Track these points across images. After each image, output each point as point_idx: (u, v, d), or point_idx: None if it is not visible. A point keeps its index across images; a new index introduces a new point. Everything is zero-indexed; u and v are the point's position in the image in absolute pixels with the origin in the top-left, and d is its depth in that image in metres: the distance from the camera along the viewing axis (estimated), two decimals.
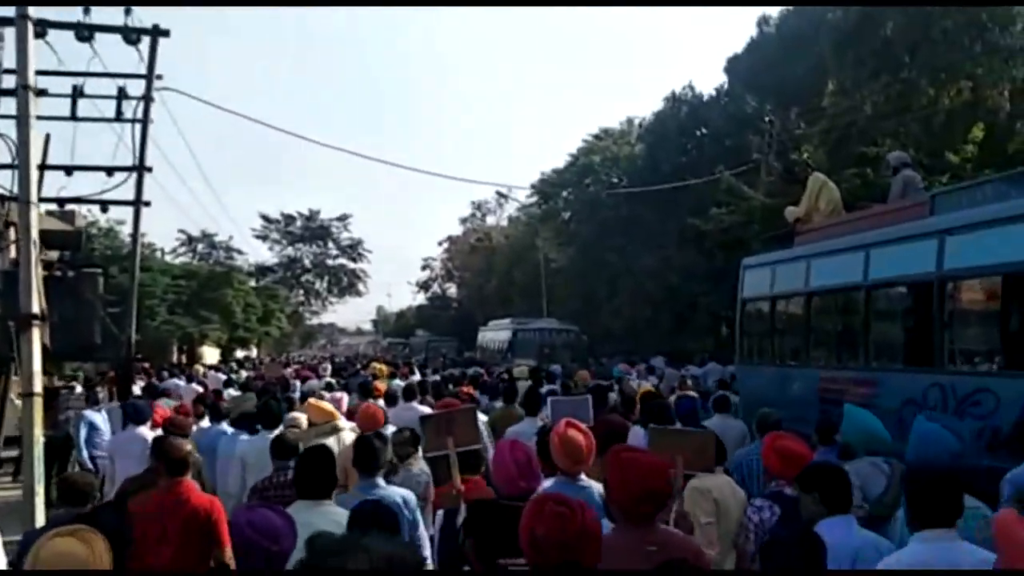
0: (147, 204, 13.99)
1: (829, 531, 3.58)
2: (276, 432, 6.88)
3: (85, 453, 11.14)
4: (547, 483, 4.46)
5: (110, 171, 13.89)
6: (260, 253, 64.74)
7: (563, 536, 2.65)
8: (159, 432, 7.11)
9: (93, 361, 16.28)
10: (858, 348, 9.14)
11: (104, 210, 14.36)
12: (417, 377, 16.32)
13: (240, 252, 55.61)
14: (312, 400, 8.64)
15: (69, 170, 14.00)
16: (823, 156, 24.60)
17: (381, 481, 5.11)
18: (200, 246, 53.18)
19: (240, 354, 46.26)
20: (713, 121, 31.90)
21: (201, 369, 24.46)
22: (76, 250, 13.47)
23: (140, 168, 13.96)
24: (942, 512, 3.39)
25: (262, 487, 5.80)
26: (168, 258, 41.63)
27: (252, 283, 48.51)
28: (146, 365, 24.36)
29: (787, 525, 4.43)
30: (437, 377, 16.13)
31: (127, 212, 14.10)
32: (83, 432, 11.26)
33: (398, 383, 12.92)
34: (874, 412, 8.49)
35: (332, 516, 4.11)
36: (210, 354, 40.07)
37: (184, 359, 32.30)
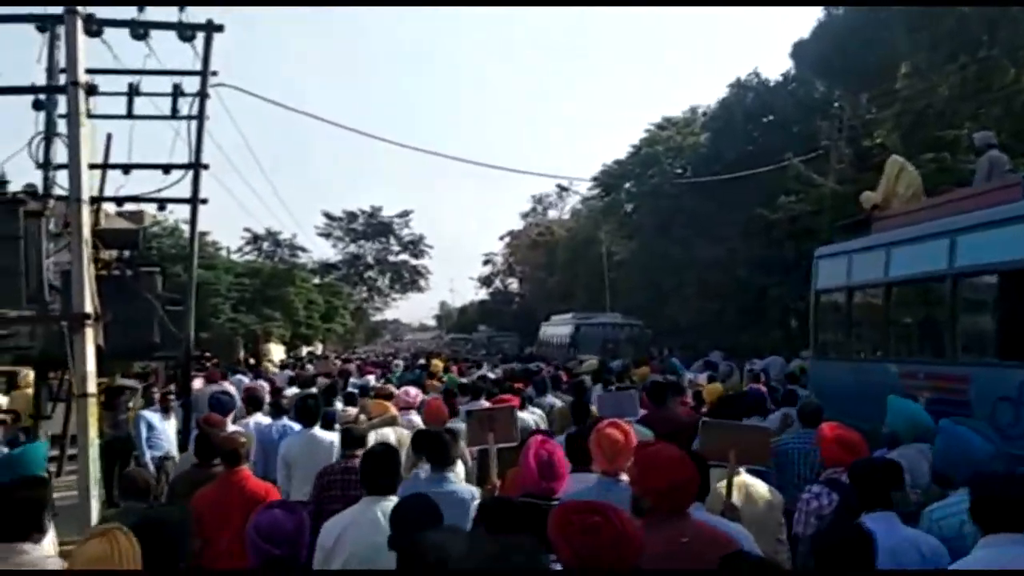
0: (204, 202, 13.87)
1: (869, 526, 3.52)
2: (314, 428, 7.53)
3: (148, 455, 11.09)
4: (591, 482, 4.53)
5: (167, 169, 13.84)
6: (323, 250, 65.55)
7: (600, 545, 2.69)
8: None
9: (152, 360, 16.28)
10: (944, 341, 8.51)
11: (162, 208, 14.36)
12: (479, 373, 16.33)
13: (304, 250, 56.34)
14: (369, 399, 9.09)
15: (127, 168, 14.00)
16: (896, 141, 23.67)
17: (451, 475, 5.16)
18: (265, 244, 53.95)
19: (306, 350, 46.67)
20: (780, 107, 30.98)
21: (270, 366, 24.60)
22: (134, 248, 13.39)
23: (196, 165, 13.87)
24: (1009, 516, 3.32)
25: (328, 471, 6.12)
26: (235, 256, 42.23)
27: (316, 280, 48.96)
28: (213, 361, 24.55)
29: (844, 512, 4.52)
30: (490, 374, 15.84)
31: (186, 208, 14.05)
32: (143, 431, 11.21)
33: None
34: (964, 410, 8.01)
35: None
36: (276, 351, 40.46)
37: (249, 357, 32.60)
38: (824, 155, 25.51)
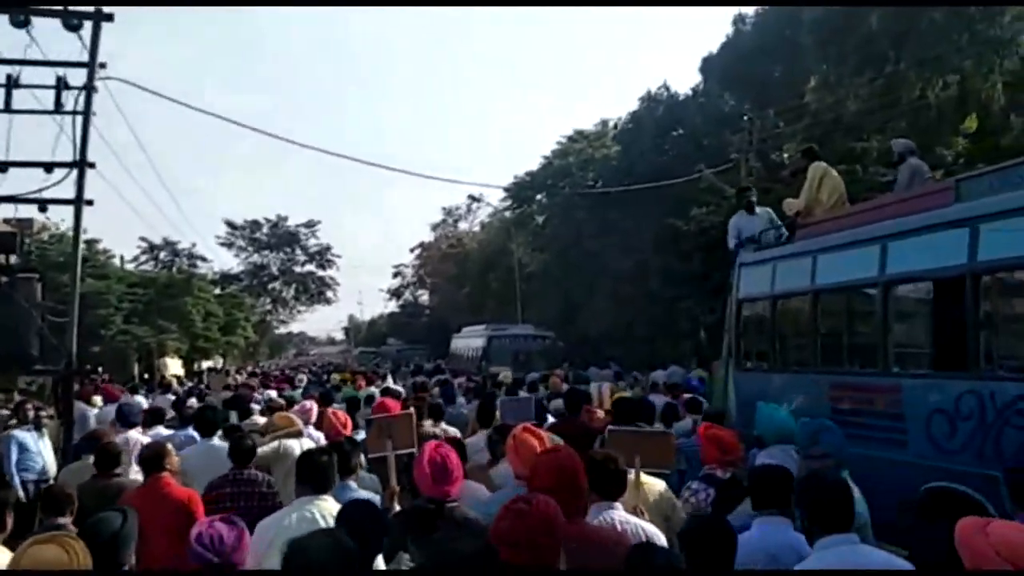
0: (89, 203, 12.88)
1: (757, 528, 3.98)
2: (213, 439, 7.42)
3: (17, 479, 9.99)
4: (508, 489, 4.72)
5: (49, 167, 12.90)
6: (225, 261, 63.40)
7: (522, 529, 2.92)
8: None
9: (31, 374, 15.03)
10: (875, 352, 8.20)
11: (43, 210, 13.26)
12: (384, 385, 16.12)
13: (204, 260, 54.20)
14: (279, 413, 8.72)
15: (3, 166, 12.98)
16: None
17: (353, 483, 5.25)
18: (163, 254, 51.68)
19: (207, 365, 44.87)
20: (689, 121, 31.19)
21: (174, 382, 23.39)
22: (11, 253, 12.31)
23: (81, 164, 12.90)
24: (838, 517, 3.56)
25: (216, 486, 5.93)
26: (130, 266, 40.15)
27: (217, 291, 47.08)
28: (104, 377, 23.13)
29: (720, 506, 4.94)
30: (396, 386, 15.66)
31: (84, 216, 13.01)
32: (13, 453, 10.13)
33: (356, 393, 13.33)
34: (897, 423, 7.71)
35: (327, 510, 4.31)
36: (173, 366, 38.63)
37: (144, 372, 30.98)
38: (734, 168, 25.65)
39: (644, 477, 5.09)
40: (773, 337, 10.22)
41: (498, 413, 8.29)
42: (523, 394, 11.72)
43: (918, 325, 8.23)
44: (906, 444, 7.57)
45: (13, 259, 12.63)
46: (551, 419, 8.80)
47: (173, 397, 15.26)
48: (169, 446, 5.95)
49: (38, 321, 12.32)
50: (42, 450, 10.31)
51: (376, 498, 5.08)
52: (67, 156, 12.54)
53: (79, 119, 12.77)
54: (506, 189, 42.69)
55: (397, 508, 4.88)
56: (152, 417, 9.49)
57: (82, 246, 29.65)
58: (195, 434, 8.29)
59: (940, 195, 7.86)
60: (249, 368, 41.46)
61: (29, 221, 27.52)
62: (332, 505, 4.39)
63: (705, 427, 5.89)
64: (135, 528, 3.67)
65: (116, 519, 3.58)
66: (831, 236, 9.15)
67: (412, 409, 6.75)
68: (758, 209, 11.40)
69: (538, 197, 41.45)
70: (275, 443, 7.25)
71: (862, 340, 8.84)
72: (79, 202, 12.81)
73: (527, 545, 2.93)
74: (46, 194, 13.00)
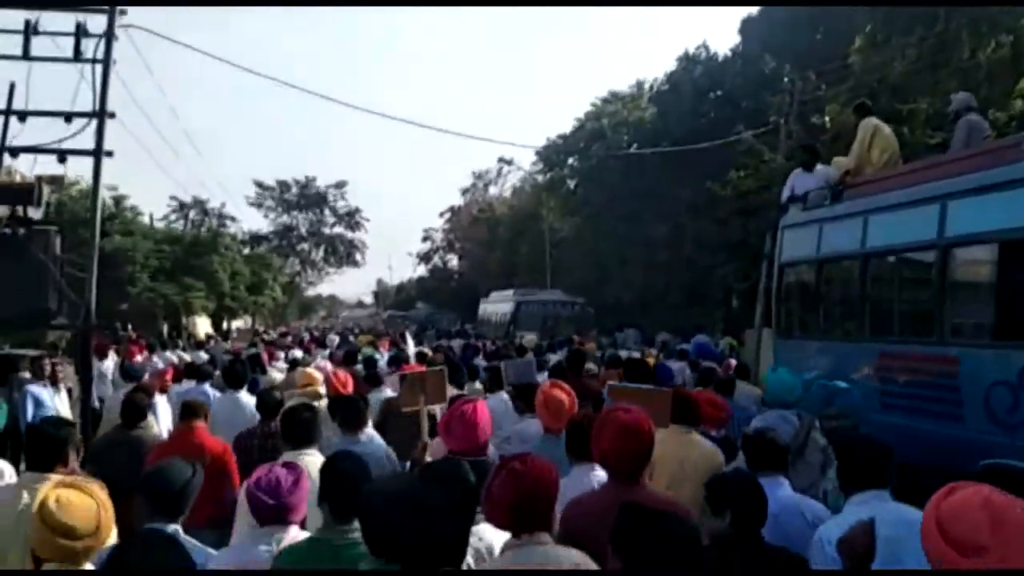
0: (109, 154, 12.55)
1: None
2: (240, 392, 7.94)
3: None
4: (532, 430, 5.30)
5: (68, 117, 12.58)
6: (254, 221, 63.40)
7: (513, 493, 2.93)
8: None
9: (49, 328, 14.81)
10: (932, 320, 7.64)
11: (62, 160, 12.91)
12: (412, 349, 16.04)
13: (234, 219, 54.06)
14: (301, 369, 9.00)
15: (22, 116, 12.65)
16: (850, 116, 23.05)
17: (364, 437, 5.52)
18: (192, 213, 51.62)
19: (236, 324, 44.85)
20: (728, 82, 30.28)
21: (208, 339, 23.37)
22: (29, 204, 11.98)
23: (101, 113, 12.55)
24: (872, 475, 3.58)
25: (245, 437, 6.29)
26: (160, 225, 40.00)
27: (246, 251, 46.88)
28: (136, 334, 23.01)
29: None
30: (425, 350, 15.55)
31: (112, 173, 12.60)
32: (30, 409, 9.87)
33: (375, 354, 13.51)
34: (953, 395, 7.19)
35: (311, 463, 4.34)
36: (202, 324, 38.55)
37: (171, 330, 30.87)
38: (773, 131, 24.85)
39: (697, 438, 5.27)
40: (817, 303, 9.68)
41: (504, 376, 8.53)
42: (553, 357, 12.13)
43: (979, 291, 7.61)
44: (962, 418, 7.05)
45: (32, 212, 12.29)
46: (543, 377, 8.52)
47: (207, 356, 15.69)
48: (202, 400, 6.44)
49: (56, 275, 12.00)
50: (58, 406, 10.06)
51: (391, 451, 5.62)
52: (88, 107, 12.21)
53: (99, 68, 12.41)
54: (537, 152, 42.02)
55: (428, 460, 4.80)
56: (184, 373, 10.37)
57: (109, 201, 29.79)
58: (209, 391, 8.76)
59: (1008, 151, 7.24)
60: (280, 329, 41.42)
61: (60, 178, 27.37)
62: (317, 459, 4.48)
63: (698, 392, 6.05)
64: (201, 481, 3.71)
65: (187, 470, 3.65)
66: (884, 196, 8.54)
67: (443, 367, 6.96)
68: (818, 167, 10.61)
69: (570, 161, 40.70)
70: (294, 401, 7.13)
71: (916, 308, 8.28)
72: (98, 152, 12.49)
73: (516, 506, 2.92)
74: (66, 145, 12.70)
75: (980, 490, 2.41)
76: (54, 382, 10.34)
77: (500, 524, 3.10)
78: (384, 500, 2.66)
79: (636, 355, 13.12)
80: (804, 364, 9.76)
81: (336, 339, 23.40)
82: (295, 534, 3.45)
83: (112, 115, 12.57)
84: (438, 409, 5.67)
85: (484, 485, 3.08)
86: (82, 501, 3.01)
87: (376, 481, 2.99)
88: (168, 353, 16.73)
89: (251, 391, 8.20)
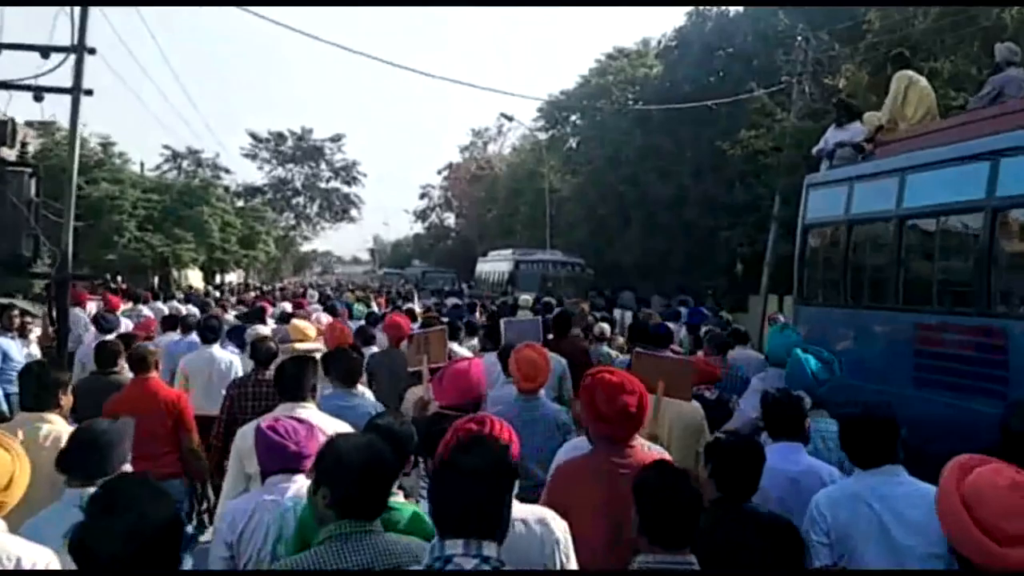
0: (88, 93, 11.77)
1: (771, 456, 3.64)
2: (213, 346, 8.12)
3: (1, 391, 9.14)
4: (509, 398, 5.15)
5: (45, 51, 11.82)
6: (248, 173, 62.34)
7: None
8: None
9: (21, 277, 14.10)
10: (978, 288, 6.98)
11: (38, 99, 12.13)
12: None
13: (228, 171, 53.10)
14: (293, 322, 9.37)
15: None
16: (865, 77, 22.26)
17: (357, 391, 5.50)
18: (186, 163, 50.62)
19: (230, 278, 44.15)
20: (739, 39, 29.27)
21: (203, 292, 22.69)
22: (1, 145, 11.25)
23: (80, 48, 11.77)
24: (880, 452, 3.46)
25: (239, 384, 6.53)
26: (152, 175, 39.01)
27: (239, 203, 45.96)
28: (122, 287, 22.38)
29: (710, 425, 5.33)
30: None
31: (101, 120, 11.89)
32: None
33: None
34: (999, 371, 6.55)
35: (309, 415, 4.25)
36: (193, 277, 37.81)
37: (161, 282, 30.13)
38: (785, 91, 24.04)
39: (675, 403, 5.07)
40: (845, 268, 8.98)
41: (503, 335, 8.20)
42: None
43: None
44: (1007, 396, 6.41)
45: (6, 152, 11.54)
46: None
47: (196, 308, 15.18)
48: (152, 347, 6.56)
49: (30, 220, 11.27)
50: (24, 360, 9.41)
51: (379, 406, 5.39)
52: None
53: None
54: (539, 109, 41.06)
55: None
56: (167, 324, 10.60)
57: (96, 147, 28.84)
58: (198, 341, 8.61)
59: None
60: (278, 284, 40.70)
61: (50, 123, 26.51)
62: (313, 412, 4.45)
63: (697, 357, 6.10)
64: (124, 433, 3.51)
65: (102, 424, 3.50)
66: (924, 152, 7.84)
67: (444, 327, 7.10)
68: (855, 124, 9.79)
69: (572, 118, 39.73)
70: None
71: (959, 275, 7.58)
72: (77, 91, 11.73)
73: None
74: (43, 81, 11.95)
75: (999, 469, 2.31)
76: (23, 334, 9.72)
77: None
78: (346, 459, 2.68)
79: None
80: (828, 333, 9.15)
81: (317, 295, 22.56)
82: (303, 483, 3.27)
83: (92, 51, 11.82)
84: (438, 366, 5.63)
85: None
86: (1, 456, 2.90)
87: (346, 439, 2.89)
88: (160, 304, 16.21)
89: (238, 343, 8.72)
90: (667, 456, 3.58)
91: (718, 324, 13.32)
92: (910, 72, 9.43)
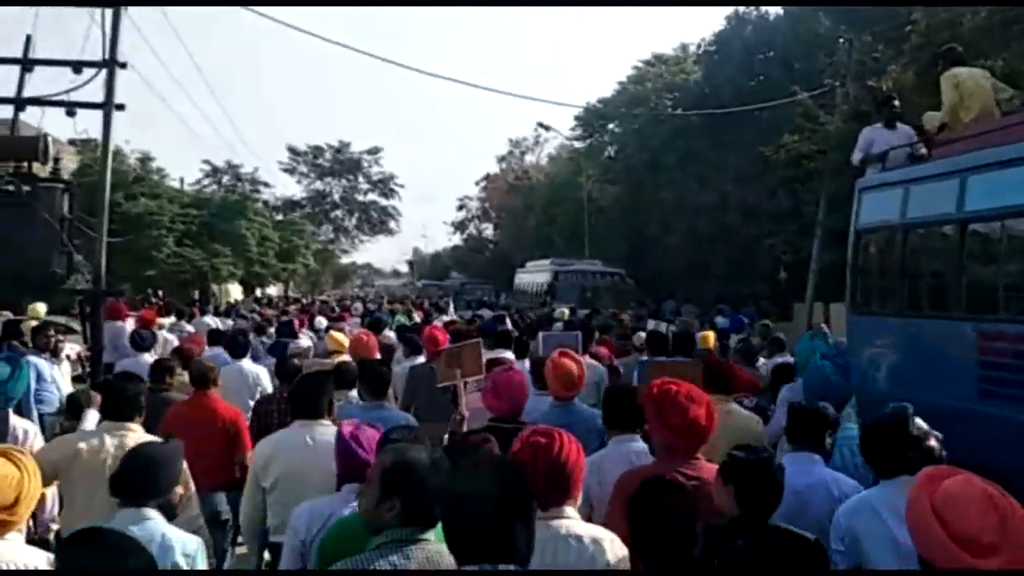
0: (120, 107, 11.77)
1: (787, 465, 3.61)
2: (242, 361, 8.34)
3: (35, 411, 8.94)
4: (543, 407, 5.21)
5: (77, 66, 11.83)
6: (287, 187, 62.79)
7: (535, 464, 2.91)
8: None
9: (58, 294, 14.08)
10: None
11: (71, 114, 12.12)
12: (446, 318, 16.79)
13: (267, 185, 53.51)
14: (331, 333, 9.39)
15: (29, 64, 11.92)
16: (911, 78, 21.70)
17: (386, 403, 5.64)
18: (225, 178, 51.05)
19: (270, 292, 44.34)
20: (780, 42, 28.80)
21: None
22: (34, 160, 11.24)
23: (111, 63, 11.74)
24: (891, 460, 3.51)
25: (266, 400, 6.76)
26: (191, 189, 39.34)
27: (278, 217, 46.22)
28: (161, 303, 22.47)
29: None
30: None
31: (139, 135, 11.94)
32: (32, 383, 9.07)
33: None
34: None
35: (322, 434, 4.43)
36: (234, 292, 38.00)
37: (200, 297, 30.24)
38: (827, 94, 23.53)
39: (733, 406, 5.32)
40: (902, 275, 8.51)
41: (540, 348, 8.22)
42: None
43: None
44: None
45: (37, 168, 11.51)
46: None
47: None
48: (213, 364, 6.48)
49: (63, 236, 11.21)
50: (57, 379, 9.26)
51: (411, 418, 5.59)
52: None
53: (108, 12, 11.64)
54: (577, 117, 40.76)
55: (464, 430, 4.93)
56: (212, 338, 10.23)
57: (135, 163, 29.07)
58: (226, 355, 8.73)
59: None
60: (320, 297, 40.59)
61: (90, 141, 26.78)
62: (328, 429, 4.43)
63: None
64: (176, 454, 3.59)
65: (154, 447, 3.65)
66: (985, 152, 7.38)
67: (479, 339, 6.87)
68: (900, 125, 9.46)
69: (610, 127, 39.37)
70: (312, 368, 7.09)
71: None
72: (108, 105, 11.69)
73: (544, 478, 2.90)
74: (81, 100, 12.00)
75: (969, 479, 2.33)
76: (55, 354, 9.57)
77: None
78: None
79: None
80: (883, 343, 8.72)
81: (360, 307, 23.00)
82: None
83: (123, 65, 11.81)
84: (472, 381, 5.70)
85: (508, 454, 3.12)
86: (8, 470, 2.89)
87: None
88: (208, 319, 16.21)
89: (277, 357, 8.43)
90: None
91: (761, 333, 13.00)
92: (958, 70, 8.97)
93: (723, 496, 3.30)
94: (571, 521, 3.02)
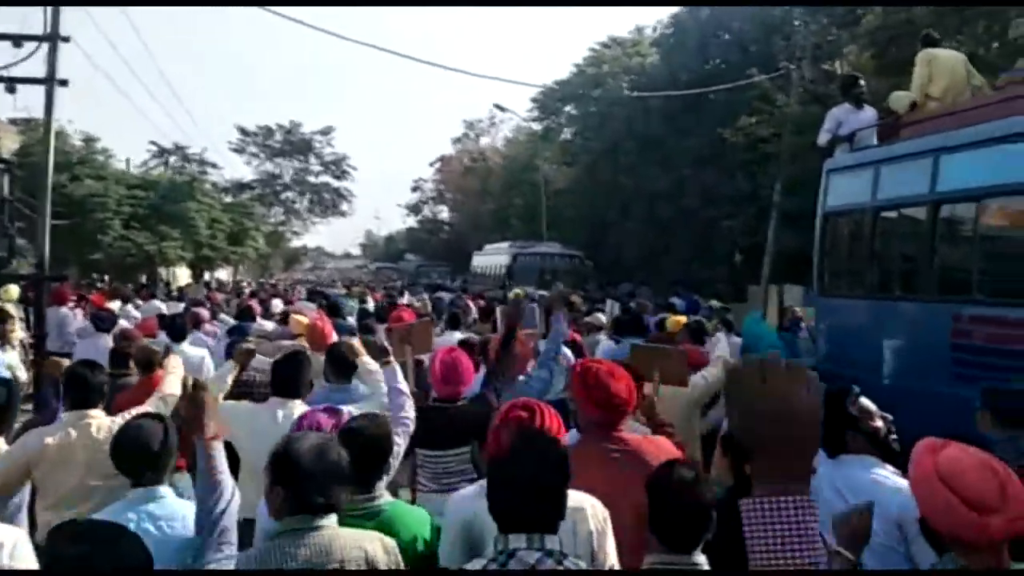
0: (63, 83, 11.21)
1: None
2: (183, 344, 8.08)
3: None
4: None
5: (17, 40, 11.29)
6: (237, 168, 61.61)
7: (521, 439, 2.82)
8: None
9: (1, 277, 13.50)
10: None
11: (11, 90, 11.57)
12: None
13: (215, 166, 52.30)
14: (293, 316, 9.14)
15: None
16: (868, 60, 21.77)
17: (355, 383, 5.39)
18: (173, 159, 49.83)
19: (220, 275, 43.47)
20: (736, 25, 28.79)
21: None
22: None
23: (54, 37, 11.21)
24: (835, 439, 3.55)
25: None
26: (137, 171, 38.22)
27: (227, 199, 45.18)
28: (106, 287, 21.82)
29: None
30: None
31: (83, 116, 11.39)
32: None
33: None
34: None
35: (290, 414, 4.49)
36: (182, 276, 37.12)
37: (148, 281, 29.45)
38: (783, 77, 23.54)
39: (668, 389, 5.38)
40: (872, 257, 8.43)
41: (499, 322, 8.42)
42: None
43: None
44: None
45: None
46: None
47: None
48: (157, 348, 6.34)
49: (3, 219, 10.71)
50: (10, 363, 8.82)
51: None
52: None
53: None
54: (534, 99, 40.46)
55: None
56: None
57: (79, 144, 28.16)
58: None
59: None
60: (269, 280, 40.00)
61: (32, 120, 25.83)
62: (299, 409, 4.51)
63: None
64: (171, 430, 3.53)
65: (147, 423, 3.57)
66: (960, 132, 7.29)
67: (430, 317, 7.34)
68: (866, 106, 9.42)
69: (567, 109, 39.16)
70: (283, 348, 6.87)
71: (1005, 264, 7.03)
72: (51, 81, 11.16)
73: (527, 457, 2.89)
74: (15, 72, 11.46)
75: (965, 448, 2.46)
76: (5, 339, 9.13)
77: None
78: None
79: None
80: (851, 325, 8.66)
81: (304, 291, 22.41)
82: None
83: (66, 39, 11.27)
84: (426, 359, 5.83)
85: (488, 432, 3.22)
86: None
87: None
88: (157, 303, 15.64)
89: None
90: (655, 441, 3.74)
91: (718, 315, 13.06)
92: (934, 50, 8.92)
93: (722, 466, 3.55)
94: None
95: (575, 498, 3.00)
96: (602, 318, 11.04)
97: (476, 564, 2.51)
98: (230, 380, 5.18)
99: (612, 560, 3.08)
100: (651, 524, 2.78)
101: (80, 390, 4.64)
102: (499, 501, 2.47)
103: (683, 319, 8.96)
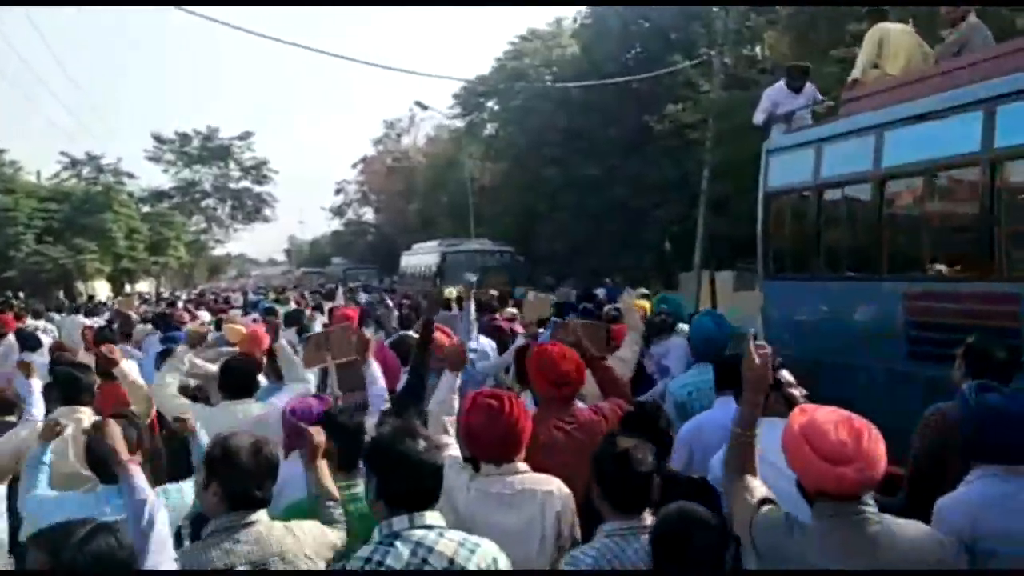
0: None
1: (718, 407, 4.54)
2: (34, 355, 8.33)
3: None
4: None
5: None
6: (154, 177, 59.84)
7: (492, 425, 3.32)
8: None
9: None
10: (979, 252, 6.31)
11: None
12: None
13: (131, 176, 50.61)
14: (228, 325, 8.95)
15: None
16: (788, 44, 21.98)
17: (287, 384, 5.55)
18: (86, 170, 47.98)
19: (140, 288, 42.11)
20: (655, 14, 28.88)
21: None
22: None
23: None
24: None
25: None
26: (48, 183, 36.66)
27: (145, 209, 43.74)
28: (22, 305, 20.84)
29: None
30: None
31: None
32: None
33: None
34: (1013, 340, 5.90)
35: (249, 412, 4.92)
36: (101, 289, 35.83)
37: (66, 296, 28.23)
38: (705, 63, 23.65)
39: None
40: (817, 237, 8.26)
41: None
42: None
43: None
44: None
45: None
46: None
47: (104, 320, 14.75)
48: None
49: None
50: None
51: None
52: None
53: None
54: (455, 96, 40.10)
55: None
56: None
57: None
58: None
59: None
60: (195, 291, 38.82)
61: None
62: (252, 407, 4.98)
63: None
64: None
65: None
66: (906, 106, 7.15)
67: (348, 322, 7.26)
68: (809, 86, 9.39)
69: (489, 104, 38.87)
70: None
71: (957, 238, 6.90)
72: None
73: (494, 443, 3.36)
74: None
75: (835, 410, 2.75)
76: None
77: (481, 455, 3.42)
78: None
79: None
80: (799, 307, 8.51)
81: (240, 299, 22.81)
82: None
83: None
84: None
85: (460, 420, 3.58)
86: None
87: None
88: (79, 317, 15.06)
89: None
90: (601, 408, 4.25)
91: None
92: (884, 24, 8.84)
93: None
94: (524, 475, 3.40)
95: (543, 480, 3.40)
96: (515, 311, 11.65)
97: (364, 552, 2.58)
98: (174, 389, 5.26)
99: (576, 534, 3.33)
100: (602, 493, 3.02)
101: (71, 388, 5.11)
102: (385, 485, 2.66)
103: (648, 304, 8.81)
